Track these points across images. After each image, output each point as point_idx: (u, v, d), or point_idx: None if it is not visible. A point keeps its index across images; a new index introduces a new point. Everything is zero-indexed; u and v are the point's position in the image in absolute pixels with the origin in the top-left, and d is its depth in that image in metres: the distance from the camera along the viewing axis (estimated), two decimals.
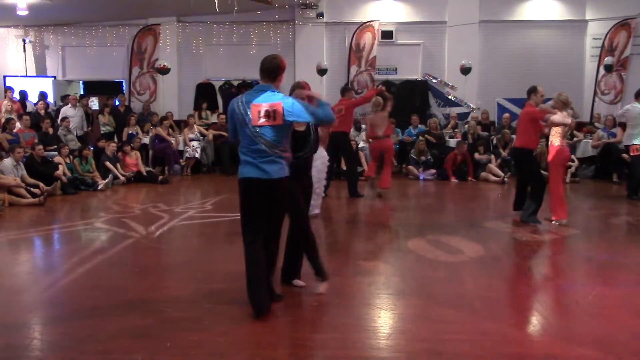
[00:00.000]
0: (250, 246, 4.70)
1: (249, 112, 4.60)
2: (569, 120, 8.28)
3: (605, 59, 14.90)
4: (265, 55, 4.85)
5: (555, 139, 8.24)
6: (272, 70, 4.71)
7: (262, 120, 4.56)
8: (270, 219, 4.75)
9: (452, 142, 14.16)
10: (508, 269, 6.42)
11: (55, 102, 15.89)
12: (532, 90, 8.54)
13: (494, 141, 14.00)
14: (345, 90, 11.27)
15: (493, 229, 8.21)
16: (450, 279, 5.87)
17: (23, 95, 15.04)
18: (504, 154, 13.46)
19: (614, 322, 4.74)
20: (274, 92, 4.66)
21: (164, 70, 15.55)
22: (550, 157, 8.39)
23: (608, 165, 13.38)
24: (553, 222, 8.31)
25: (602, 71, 15.13)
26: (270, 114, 4.55)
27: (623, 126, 13.53)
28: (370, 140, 11.40)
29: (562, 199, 8.46)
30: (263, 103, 4.58)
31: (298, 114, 4.59)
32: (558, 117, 8.15)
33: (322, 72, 15.16)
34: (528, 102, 8.57)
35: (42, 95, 15.07)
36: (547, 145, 8.89)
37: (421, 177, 13.34)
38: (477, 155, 13.41)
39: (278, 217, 4.85)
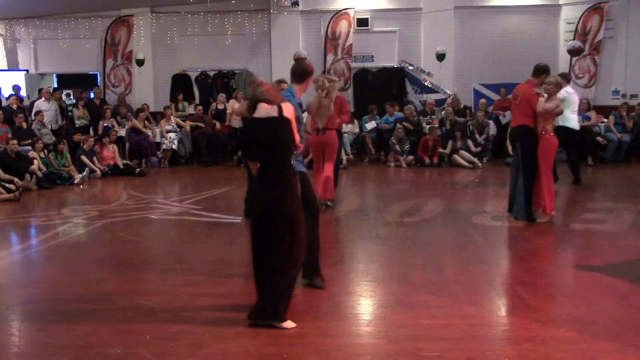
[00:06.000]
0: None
1: None
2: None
3: (568, 42, 14.99)
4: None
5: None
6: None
7: None
8: None
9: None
10: (485, 253, 6.49)
11: (28, 96, 15.64)
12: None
13: (471, 127, 14.07)
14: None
15: (471, 214, 8.26)
16: (429, 265, 5.92)
17: None
18: (480, 139, 13.54)
19: (589, 302, 4.83)
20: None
21: (141, 61, 15.48)
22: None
23: (583, 148, 13.52)
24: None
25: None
26: None
27: (597, 110, 13.75)
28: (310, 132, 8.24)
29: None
30: None
31: None
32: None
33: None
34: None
35: (15, 89, 14.82)
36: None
37: (391, 165, 13.28)
38: (448, 153, 13.35)
39: None
